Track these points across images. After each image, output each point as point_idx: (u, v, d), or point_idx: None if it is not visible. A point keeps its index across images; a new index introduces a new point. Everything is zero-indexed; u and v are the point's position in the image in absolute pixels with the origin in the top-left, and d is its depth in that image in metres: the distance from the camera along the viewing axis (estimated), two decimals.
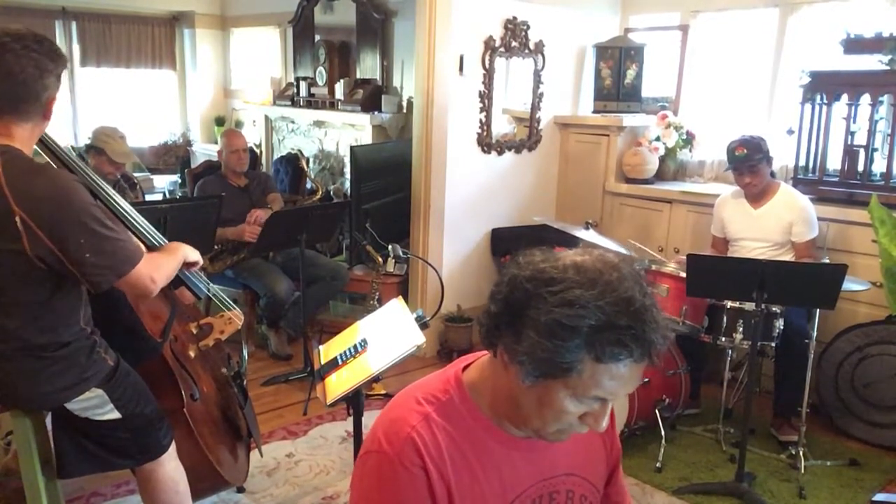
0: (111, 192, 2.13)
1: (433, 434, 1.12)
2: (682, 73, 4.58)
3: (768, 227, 3.47)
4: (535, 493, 1.20)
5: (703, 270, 2.98)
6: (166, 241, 2.25)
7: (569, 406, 1.05)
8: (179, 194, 6.54)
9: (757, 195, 3.49)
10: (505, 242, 4.51)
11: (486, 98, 4.27)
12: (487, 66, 4.22)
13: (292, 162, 5.42)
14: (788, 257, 3.46)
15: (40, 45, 1.81)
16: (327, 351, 2.12)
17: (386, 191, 4.56)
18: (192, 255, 2.18)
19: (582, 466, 1.26)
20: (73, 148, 5.41)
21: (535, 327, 1.01)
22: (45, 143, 2.01)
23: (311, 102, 5.97)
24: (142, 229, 2.18)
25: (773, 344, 3.17)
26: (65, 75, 1.92)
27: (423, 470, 1.10)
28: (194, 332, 2.45)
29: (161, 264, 2.01)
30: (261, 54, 7.00)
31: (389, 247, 3.56)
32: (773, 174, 3.54)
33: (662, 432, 3.21)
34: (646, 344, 1.00)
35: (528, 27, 4.35)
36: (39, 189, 1.76)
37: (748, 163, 3.37)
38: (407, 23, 5.09)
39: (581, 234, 3.54)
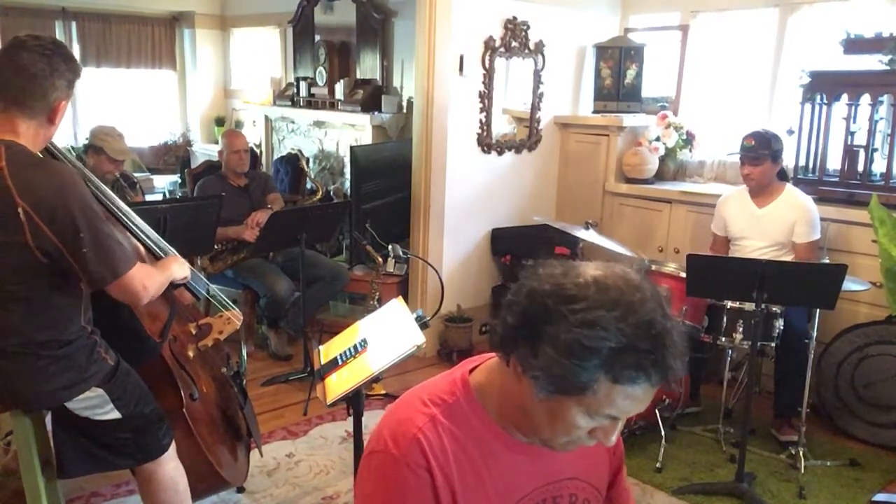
0: (110, 194, 2.14)
1: (439, 436, 1.12)
2: (682, 73, 4.58)
3: (771, 227, 3.46)
4: (538, 497, 1.20)
5: (703, 270, 2.98)
6: (165, 244, 2.26)
7: (580, 422, 1.05)
8: (179, 194, 6.54)
9: (760, 193, 3.48)
10: (505, 242, 4.51)
11: (486, 98, 4.27)
12: (487, 66, 4.22)
13: (292, 162, 5.42)
14: (790, 258, 3.46)
15: (56, 47, 1.87)
16: (327, 351, 2.12)
17: (386, 191, 4.56)
18: (180, 272, 2.18)
19: (585, 471, 1.26)
20: (72, 148, 5.42)
21: (553, 344, 1.00)
22: (47, 148, 2.02)
23: (311, 102, 5.98)
24: (140, 232, 2.19)
25: (773, 344, 3.17)
26: None
27: (428, 472, 1.10)
28: (193, 332, 2.45)
29: (152, 274, 2.02)
30: (261, 54, 7.01)
31: (389, 247, 3.57)
32: (782, 176, 3.52)
33: (662, 432, 3.21)
34: (664, 369, 0.99)
35: (528, 27, 4.35)
36: (42, 181, 1.78)
37: (751, 153, 3.37)
38: (407, 23, 5.09)
39: (581, 234, 3.54)
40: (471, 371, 1.20)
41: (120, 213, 2.14)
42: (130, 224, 2.16)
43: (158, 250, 2.23)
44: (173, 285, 2.22)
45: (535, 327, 1.03)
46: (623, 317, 0.98)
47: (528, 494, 1.19)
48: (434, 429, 1.12)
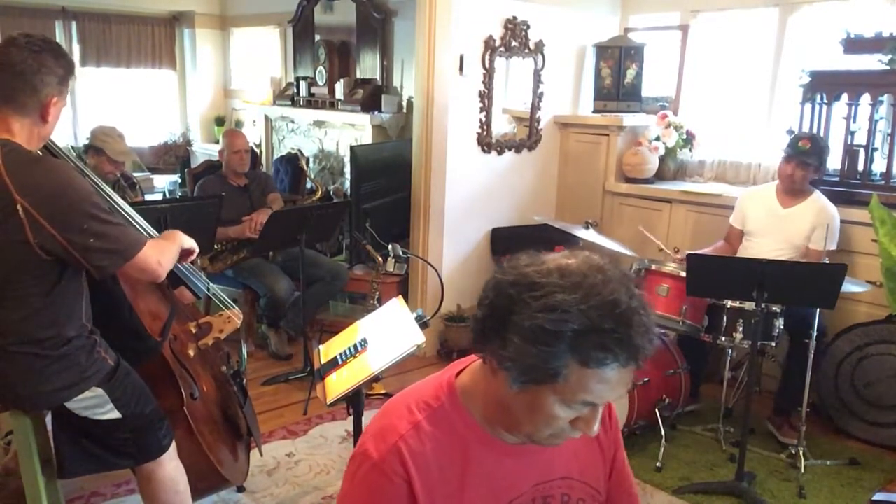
0: (110, 192, 2.15)
1: (422, 443, 1.11)
2: (682, 72, 4.58)
3: (791, 230, 3.44)
4: (527, 499, 1.19)
5: (703, 270, 2.98)
6: None
7: (558, 411, 1.04)
8: (179, 194, 6.55)
9: (789, 194, 3.47)
10: (505, 242, 4.51)
11: (486, 98, 4.27)
12: (487, 65, 4.22)
13: (292, 162, 5.42)
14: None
15: (45, 44, 1.87)
16: (327, 350, 2.12)
17: (386, 191, 4.56)
18: (188, 241, 2.20)
19: (579, 470, 1.25)
20: (72, 148, 5.42)
21: (519, 333, 1.00)
22: (47, 147, 2.02)
23: (311, 102, 5.98)
24: (141, 229, 2.18)
25: (773, 343, 3.17)
26: None
27: (406, 482, 1.09)
28: (193, 331, 2.45)
29: (165, 248, 2.04)
30: (261, 54, 7.01)
31: (389, 246, 3.56)
32: (813, 182, 3.47)
33: (662, 432, 3.21)
34: (631, 348, 0.98)
35: (528, 27, 4.35)
36: (40, 177, 1.78)
37: (804, 156, 3.33)
38: (407, 23, 5.10)
39: (581, 233, 3.54)
40: (458, 374, 1.20)
41: (121, 211, 2.14)
42: (132, 222, 2.16)
43: None
44: (176, 281, 2.22)
45: (503, 318, 1.03)
46: (585, 298, 0.98)
47: (518, 497, 1.18)
48: (417, 436, 1.12)
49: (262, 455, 2.94)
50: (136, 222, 2.19)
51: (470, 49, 4.13)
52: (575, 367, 0.99)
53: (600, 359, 0.98)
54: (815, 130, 3.71)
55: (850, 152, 3.65)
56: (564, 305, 0.97)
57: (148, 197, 5.05)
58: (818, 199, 3.45)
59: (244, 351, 2.72)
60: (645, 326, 1.00)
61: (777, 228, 3.49)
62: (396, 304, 2.13)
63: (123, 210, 2.16)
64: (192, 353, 2.39)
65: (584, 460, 1.27)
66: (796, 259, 3.42)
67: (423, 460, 1.11)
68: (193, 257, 2.27)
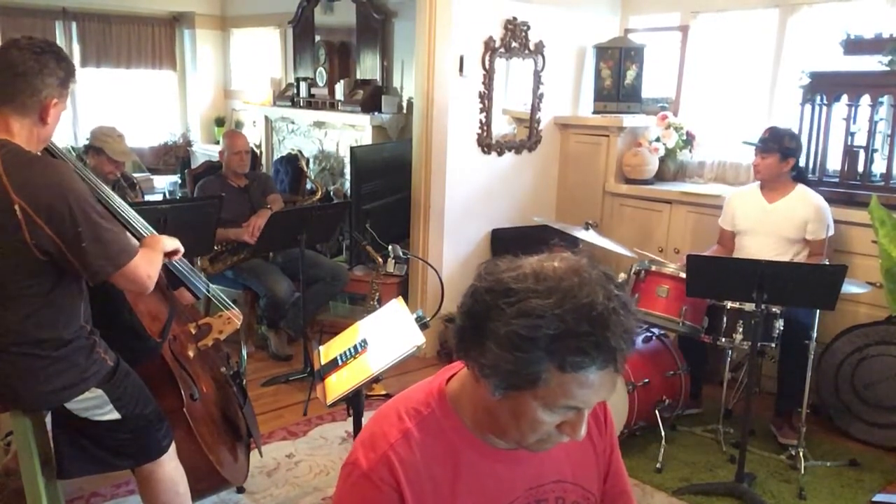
0: (109, 192, 2.15)
1: (412, 452, 1.11)
2: (682, 73, 4.58)
3: (780, 223, 3.45)
4: (521, 503, 1.19)
5: (703, 271, 2.98)
6: None
7: (542, 416, 1.03)
8: (179, 195, 6.55)
9: (771, 189, 3.48)
10: (505, 243, 4.50)
11: (486, 98, 4.27)
12: (487, 66, 4.21)
13: (292, 162, 5.42)
14: (793, 253, 3.45)
15: (47, 46, 1.88)
16: (327, 351, 2.12)
17: (386, 191, 4.56)
18: (171, 243, 2.19)
19: (572, 472, 1.24)
20: (72, 148, 5.42)
21: (495, 340, 0.99)
22: (46, 149, 2.02)
23: (311, 103, 5.98)
24: (140, 231, 2.19)
25: (773, 344, 3.17)
26: None
27: (396, 490, 1.09)
28: (193, 332, 2.45)
29: (152, 259, 2.02)
30: (261, 55, 7.01)
31: (389, 247, 3.56)
32: (799, 178, 3.49)
33: (662, 433, 3.21)
34: (609, 350, 0.97)
35: (528, 27, 4.35)
36: (37, 177, 1.78)
37: (761, 144, 3.42)
38: (407, 23, 5.10)
39: (581, 234, 3.54)
40: (449, 379, 1.19)
41: (119, 211, 2.14)
42: (129, 221, 2.17)
43: None
44: (176, 282, 2.22)
45: (479, 325, 1.02)
46: (559, 303, 0.96)
47: (511, 502, 1.17)
48: (406, 444, 1.11)
49: (261, 456, 2.94)
50: (135, 223, 2.19)
51: (470, 50, 4.13)
52: (554, 371, 0.98)
53: (577, 363, 0.97)
54: (815, 131, 3.71)
55: (849, 153, 3.65)
56: (539, 310, 0.96)
57: (148, 197, 5.06)
58: (802, 191, 3.47)
59: (244, 352, 2.72)
60: (623, 327, 0.98)
61: (767, 224, 3.50)
62: (396, 305, 2.13)
63: (122, 211, 2.16)
64: (191, 353, 2.39)
65: (578, 462, 1.26)
66: (790, 254, 3.44)
67: (414, 469, 1.10)
68: (178, 257, 2.26)
